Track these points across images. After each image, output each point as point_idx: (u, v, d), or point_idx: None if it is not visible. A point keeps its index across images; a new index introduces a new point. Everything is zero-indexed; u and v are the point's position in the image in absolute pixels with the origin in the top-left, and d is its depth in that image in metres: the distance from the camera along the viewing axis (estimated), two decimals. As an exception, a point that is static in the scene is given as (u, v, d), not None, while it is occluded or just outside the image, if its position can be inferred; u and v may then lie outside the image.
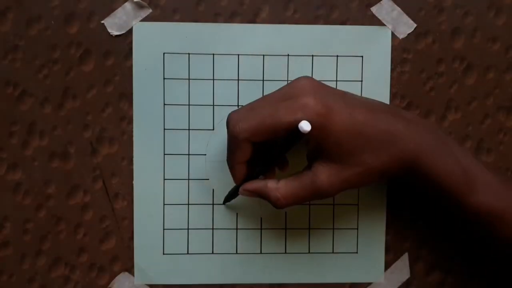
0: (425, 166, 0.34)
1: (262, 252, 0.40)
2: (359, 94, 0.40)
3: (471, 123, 0.41)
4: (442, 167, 0.34)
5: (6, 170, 0.39)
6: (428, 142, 0.34)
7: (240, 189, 0.36)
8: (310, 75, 0.40)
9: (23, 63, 0.39)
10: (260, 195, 0.35)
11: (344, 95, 0.34)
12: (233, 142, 0.34)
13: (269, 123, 0.32)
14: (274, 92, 0.34)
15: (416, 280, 0.41)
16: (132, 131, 0.39)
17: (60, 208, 0.40)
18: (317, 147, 0.33)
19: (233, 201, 0.39)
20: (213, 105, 0.40)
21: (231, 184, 0.38)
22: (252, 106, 0.34)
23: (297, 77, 0.39)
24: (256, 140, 0.33)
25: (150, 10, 0.39)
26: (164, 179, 0.40)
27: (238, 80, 0.40)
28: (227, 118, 0.34)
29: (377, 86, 0.40)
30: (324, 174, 0.34)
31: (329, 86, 0.34)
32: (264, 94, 0.39)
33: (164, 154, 0.40)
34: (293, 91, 0.33)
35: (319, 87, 0.33)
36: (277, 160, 0.36)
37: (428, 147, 0.34)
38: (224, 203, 0.40)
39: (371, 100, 0.35)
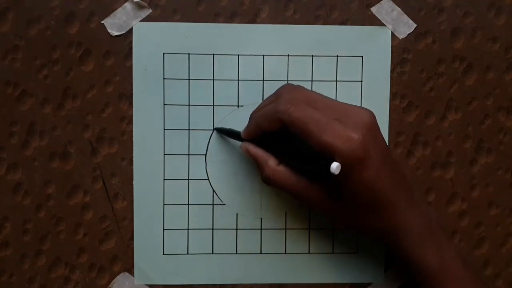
0: (406, 248, 0.35)
1: (262, 252, 0.40)
2: (359, 94, 0.40)
3: (471, 123, 0.41)
4: (421, 256, 0.34)
5: (6, 170, 0.39)
6: (418, 227, 0.35)
7: (243, 145, 0.36)
8: (310, 76, 0.40)
9: (23, 63, 0.39)
10: (257, 162, 0.36)
11: (387, 151, 0.34)
12: (272, 111, 0.34)
13: (311, 130, 0.32)
14: (339, 103, 0.34)
15: (416, 280, 0.41)
16: (132, 131, 0.39)
17: (60, 208, 0.39)
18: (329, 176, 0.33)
19: (221, 138, 0.40)
20: (213, 105, 0.40)
21: (231, 185, 0.38)
22: (313, 99, 0.34)
23: (297, 77, 0.40)
24: (289, 129, 0.33)
25: (150, 10, 0.39)
26: (164, 179, 0.40)
27: (238, 80, 0.40)
28: (286, 87, 0.35)
29: (377, 86, 0.40)
30: (318, 194, 0.35)
31: (381, 134, 0.34)
32: (264, 95, 0.39)
33: (164, 154, 0.40)
34: (350, 118, 0.33)
35: (374, 130, 0.33)
36: (287, 156, 0.35)
37: (417, 233, 0.35)
38: (216, 129, 0.40)
39: (403, 170, 0.39)
